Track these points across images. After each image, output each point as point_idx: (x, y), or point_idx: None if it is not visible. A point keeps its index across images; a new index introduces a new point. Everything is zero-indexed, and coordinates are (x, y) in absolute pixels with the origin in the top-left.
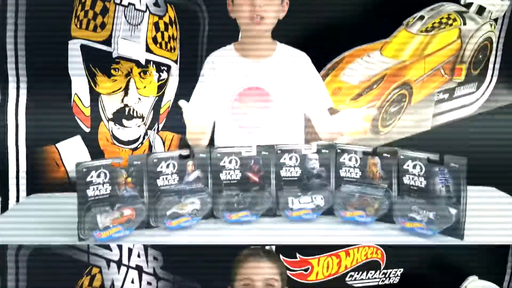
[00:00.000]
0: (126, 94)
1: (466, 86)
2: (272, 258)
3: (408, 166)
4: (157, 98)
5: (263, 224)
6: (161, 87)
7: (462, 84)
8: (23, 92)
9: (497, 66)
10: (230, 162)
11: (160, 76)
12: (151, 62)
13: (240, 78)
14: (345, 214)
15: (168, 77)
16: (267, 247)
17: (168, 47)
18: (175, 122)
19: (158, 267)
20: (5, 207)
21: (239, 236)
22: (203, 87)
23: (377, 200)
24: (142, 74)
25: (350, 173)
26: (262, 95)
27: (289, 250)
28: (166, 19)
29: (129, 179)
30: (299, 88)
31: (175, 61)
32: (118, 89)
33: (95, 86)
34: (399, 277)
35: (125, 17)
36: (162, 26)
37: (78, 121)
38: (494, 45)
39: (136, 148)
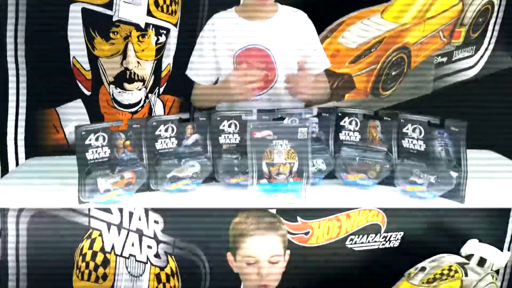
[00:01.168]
0: (124, 57)
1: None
2: (277, 230)
3: (408, 129)
4: (156, 61)
5: None
6: (159, 50)
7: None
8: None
9: (497, 28)
10: (229, 126)
11: (158, 39)
12: (151, 26)
13: (240, 38)
14: (347, 177)
15: (166, 40)
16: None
17: (170, 10)
18: (176, 85)
19: (159, 230)
20: (4, 170)
21: (240, 200)
22: (200, 48)
23: (378, 163)
24: (140, 37)
25: (350, 136)
26: (262, 56)
27: (289, 214)
28: None
29: (128, 142)
30: (298, 48)
31: (175, 25)
32: (116, 53)
33: (93, 50)
34: (399, 241)
35: None
36: None
37: (79, 84)
38: (496, 8)
39: (136, 112)
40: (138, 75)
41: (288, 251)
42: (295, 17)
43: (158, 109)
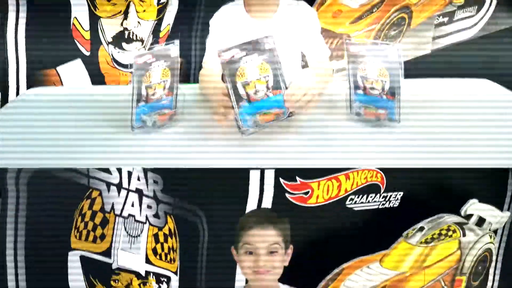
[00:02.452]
0: (125, 17)
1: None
2: (276, 223)
3: None
4: (156, 21)
5: (263, 147)
6: (161, 11)
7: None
8: (23, 16)
9: None
10: None
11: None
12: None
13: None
14: None
15: (167, 1)
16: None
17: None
18: None
19: (159, 190)
20: None
21: (241, 159)
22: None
23: None
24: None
25: None
26: None
27: (289, 173)
28: None
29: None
30: (299, 39)
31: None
32: (118, 13)
33: (95, 10)
34: (399, 201)
35: None
36: None
37: (78, 44)
38: None
39: None
40: (136, 35)
41: (291, 246)
42: (297, 11)
43: None
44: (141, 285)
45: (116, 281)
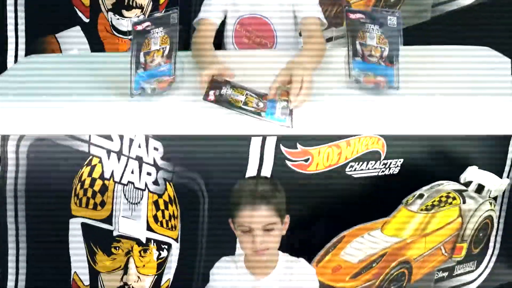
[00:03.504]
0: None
1: None
2: (269, 200)
3: None
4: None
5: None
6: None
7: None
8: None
9: None
10: None
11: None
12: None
13: (246, 7)
14: None
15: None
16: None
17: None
18: None
19: (159, 157)
20: None
21: (242, 128)
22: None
23: None
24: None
25: None
26: (262, 24)
27: (289, 140)
28: None
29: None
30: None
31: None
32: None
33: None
34: (399, 168)
35: None
36: None
37: (77, 11)
38: None
39: None
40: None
41: (287, 216)
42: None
43: None
44: (142, 252)
45: (117, 248)
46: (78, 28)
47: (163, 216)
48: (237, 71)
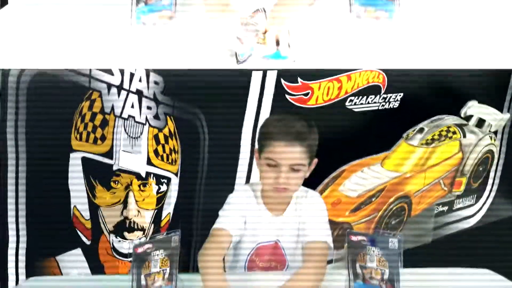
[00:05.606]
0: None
1: None
2: (304, 140)
3: None
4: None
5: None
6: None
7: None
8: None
9: None
10: None
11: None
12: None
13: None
14: None
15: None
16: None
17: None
18: None
19: (159, 92)
20: None
21: (242, 61)
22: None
23: None
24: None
25: None
26: (273, 248)
27: (290, 74)
28: None
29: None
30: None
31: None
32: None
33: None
34: (398, 102)
35: None
36: None
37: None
38: None
39: None
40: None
41: (315, 159)
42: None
43: None
44: (141, 186)
45: (116, 182)
46: (79, 250)
47: (164, 151)
48: None
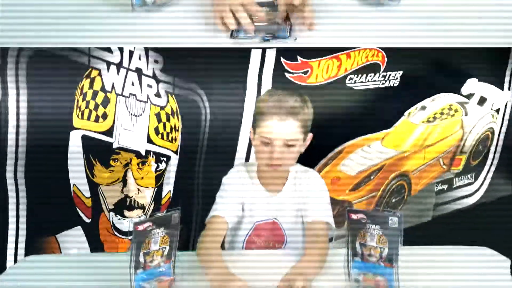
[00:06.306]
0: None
1: None
2: (298, 114)
3: None
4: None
5: None
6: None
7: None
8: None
9: None
10: None
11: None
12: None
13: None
14: None
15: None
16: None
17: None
18: None
19: (158, 69)
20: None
21: (242, 43)
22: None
23: None
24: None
25: None
26: (274, 229)
27: (289, 52)
28: None
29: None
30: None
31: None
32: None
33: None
34: (398, 80)
35: None
36: None
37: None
38: None
39: None
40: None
41: (310, 134)
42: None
43: None
44: (140, 164)
45: (116, 161)
46: (79, 228)
47: (164, 129)
48: (241, 269)
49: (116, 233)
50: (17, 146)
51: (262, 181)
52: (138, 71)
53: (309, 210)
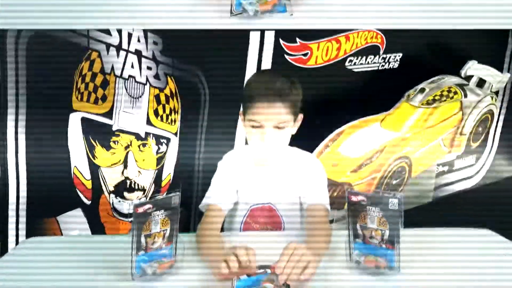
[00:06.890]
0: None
1: None
2: (286, 96)
3: None
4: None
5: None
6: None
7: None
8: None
9: None
10: None
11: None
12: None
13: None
14: None
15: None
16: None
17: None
18: None
19: (158, 51)
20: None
21: (241, 24)
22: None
23: None
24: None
25: None
26: (269, 213)
27: (288, 34)
28: None
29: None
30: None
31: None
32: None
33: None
34: (398, 62)
35: None
36: None
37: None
38: None
39: None
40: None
41: (301, 114)
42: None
43: None
44: (141, 146)
45: (116, 143)
46: (79, 210)
47: (164, 111)
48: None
49: (116, 215)
50: (16, 128)
51: (256, 164)
52: (138, 53)
53: (309, 193)
